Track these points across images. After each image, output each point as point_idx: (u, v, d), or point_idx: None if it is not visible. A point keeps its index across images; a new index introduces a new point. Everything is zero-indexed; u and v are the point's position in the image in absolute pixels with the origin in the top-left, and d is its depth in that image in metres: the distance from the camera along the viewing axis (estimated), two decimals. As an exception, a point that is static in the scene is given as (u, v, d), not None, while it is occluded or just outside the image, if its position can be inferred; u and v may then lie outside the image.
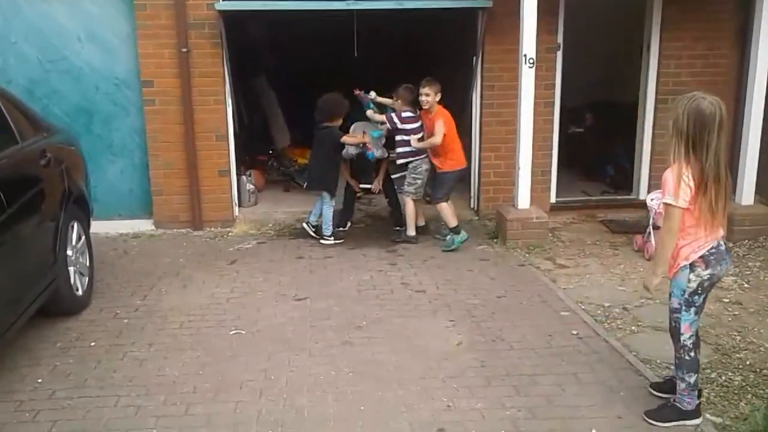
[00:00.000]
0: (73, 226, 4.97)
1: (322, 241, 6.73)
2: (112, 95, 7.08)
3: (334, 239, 6.74)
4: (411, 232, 6.76)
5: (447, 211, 6.54)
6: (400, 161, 6.75)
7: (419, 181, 6.68)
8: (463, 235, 6.49)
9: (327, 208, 6.76)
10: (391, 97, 6.74)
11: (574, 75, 7.59)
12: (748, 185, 6.81)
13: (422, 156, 6.62)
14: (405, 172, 6.79)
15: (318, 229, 6.86)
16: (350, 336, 4.61)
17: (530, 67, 6.37)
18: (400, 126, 6.55)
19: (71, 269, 4.85)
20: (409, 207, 6.73)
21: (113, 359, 4.28)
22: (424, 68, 7.13)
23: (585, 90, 8.59)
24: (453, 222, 6.51)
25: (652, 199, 6.34)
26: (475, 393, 3.85)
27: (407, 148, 6.58)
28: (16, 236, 4.05)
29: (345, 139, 6.64)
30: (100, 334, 4.66)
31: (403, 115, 6.55)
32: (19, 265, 4.10)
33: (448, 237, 6.54)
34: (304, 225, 6.95)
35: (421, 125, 6.60)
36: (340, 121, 6.70)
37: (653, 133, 7.67)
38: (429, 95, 6.33)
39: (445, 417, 3.60)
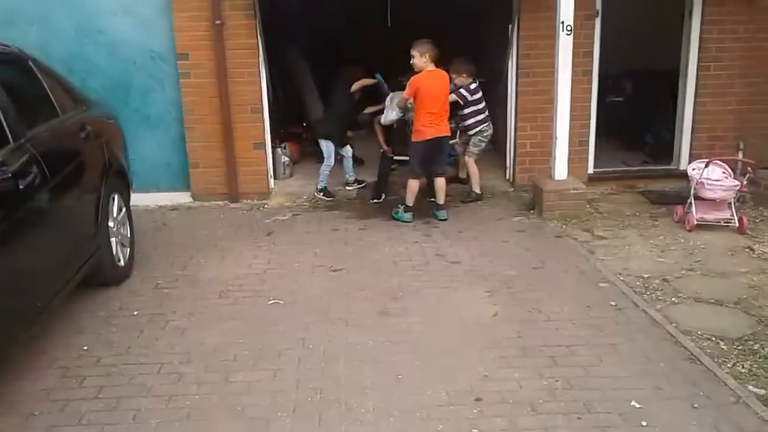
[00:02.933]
0: (113, 198, 5.05)
1: (315, 193, 7.26)
2: (149, 68, 7.12)
3: (324, 195, 7.19)
4: (477, 189, 7.16)
5: (410, 188, 6.50)
6: (472, 131, 7.05)
7: (483, 144, 7.16)
8: (409, 217, 6.47)
9: (324, 166, 7.30)
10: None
11: (613, 42, 7.38)
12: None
13: (488, 122, 7.07)
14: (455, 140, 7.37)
15: (358, 181, 7.56)
16: (386, 306, 4.63)
17: (568, 35, 6.24)
18: (470, 98, 6.92)
19: (113, 240, 4.94)
20: (473, 167, 7.14)
21: (155, 328, 4.37)
22: (458, 39, 7.03)
23: (624, 58, 8.37)
24: (410, 201, 6.52)
25: (693, 169, 6.22)
26: (512, 363, 3.84)
27: (479, 117, 6.98)
28: (59, 207, 4.13)
29: (354, 86, 7.22)
30: (142, 303, 4.75)
31: (472, 87, 6.93)
32: (63, 235, 4.19)
33: (401, 207, 6.55)
34: (346, 188, 7.55)
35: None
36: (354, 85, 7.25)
37: (695, 102, 7.48)
38: (414, 57, 6.30)
39: (482, 386, 3.61)
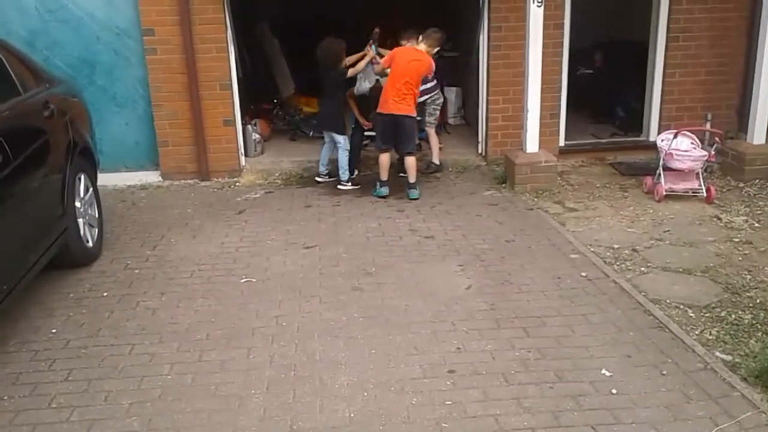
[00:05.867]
0: (80, 178, 4.96)
1: (339, 187, 6.76)
2: (114, 45, 6.97)
3: (352, 185, 6.78)
4: (436, 160, 7.16)
5: (381, 163, 6.50)
6: (422, 98, 6.85)
7: (437, 112, 7.24)
8: (385, 191, 6.47)
9: (342, 153, 6.76)
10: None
11: (584, 14, 7.39)
12: (760, 124, 6.71)
13: (437, 90, 7.09)
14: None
15: (331, 173, 7.00)
16: (360, 282, 4.63)
17: (539, 6, 6.22)
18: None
19: (80, 221, 4.85)
20: (434, 138, 7.19)
21: (126, 309, 4.32)
22: (429, 12, 6.96)
23: (594, 30, 8.39)
24: (383, 176, 6.50)
25: (662, 140, 6.28)
26: (485, 335, 3.87)
27: (428, 85, 6.85)
28: (22, 188, 4.04)
29: (352, 71, 6.64)
30: (112, 284, 4.69)
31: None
32: (28, 216, 4.10)
33: (377, 184, 6.54)
34: (317, 179, 7.03)
35: None
36: (344, 62, 6.63)
37: (664, 73, 7.53)
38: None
39: (455, 359, 3.63)
